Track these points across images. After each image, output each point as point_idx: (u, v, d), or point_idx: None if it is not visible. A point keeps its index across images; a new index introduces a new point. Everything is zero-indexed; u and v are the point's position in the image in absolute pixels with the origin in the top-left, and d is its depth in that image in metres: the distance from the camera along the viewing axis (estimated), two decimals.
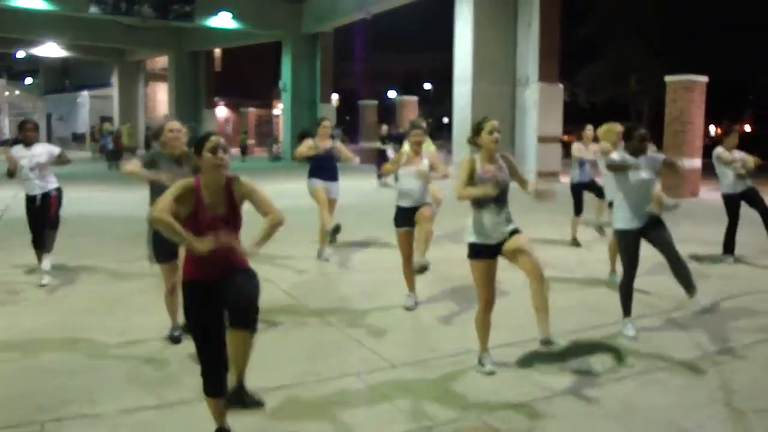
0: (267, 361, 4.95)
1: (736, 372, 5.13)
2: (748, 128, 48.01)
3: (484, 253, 4.92)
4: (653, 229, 5.89)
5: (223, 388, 3.72)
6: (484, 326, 5.08)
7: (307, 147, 8.71)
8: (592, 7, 37.11)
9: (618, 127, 8.07)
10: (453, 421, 4.25)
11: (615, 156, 5.96)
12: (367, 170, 25.29)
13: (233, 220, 3.74)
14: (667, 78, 18.53)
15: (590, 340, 5.79)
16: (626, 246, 5.91)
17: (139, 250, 9.42)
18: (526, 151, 21.89)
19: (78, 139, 46.83)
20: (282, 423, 4.07)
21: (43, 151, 7.46)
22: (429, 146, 9.90)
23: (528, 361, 5.27)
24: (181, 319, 5.15)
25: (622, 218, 5.91)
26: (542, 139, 21.18)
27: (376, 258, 9.26)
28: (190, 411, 4.32)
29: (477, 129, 5.04)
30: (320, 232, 8.71)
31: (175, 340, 5.61)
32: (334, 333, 6.00)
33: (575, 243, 10.14)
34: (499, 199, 4.92)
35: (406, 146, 6.87)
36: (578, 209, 10.13)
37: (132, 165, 5.70)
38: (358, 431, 4.09)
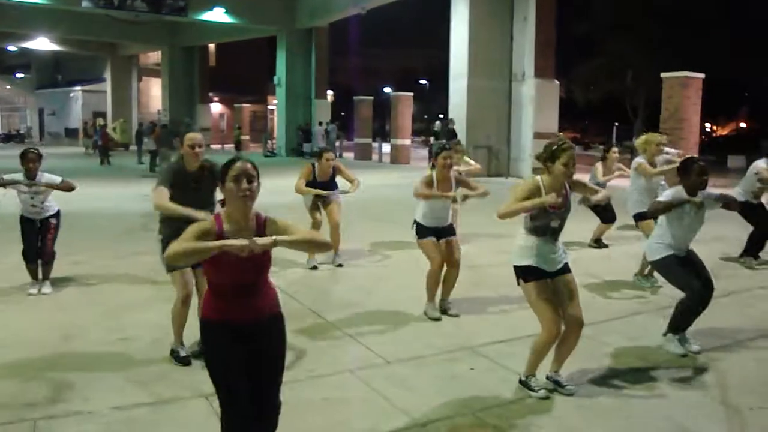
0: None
1: (731, 368, 5.13)
2: (743, 125, 48.19)
3: (535, 274, 4.53)
4: (690, 259, 5.50)
5: None
6: (544, 354, 4.63)
7: (306, 176, 8.23)
8: (589, 2, 37.10)
9: (658, 138, 7.85)
10: (448, 417, 4.22)
11: (668, 195, 5.44)
12: (361, 167, 25.25)
13: (261, 260, 3.23)
14: (663, 74, 18.55)
15: (588, 338, 5.77)
16: (671, 271, 5.51)
17: (133, 246, 9.46)
18: (522, 147, 21.89)
19: (71, 134, 46.61)
20: (280, 421, 4.03)
21: (44, 183, 6.87)
22: (467, 161, 9.68)
23: (522, 357, 5.23)
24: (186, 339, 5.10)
25: (661, 249, 5.48)
26: (538, 135, 21.16)
27: (372, 254, 9.24)
28: (183, 408, 4.30)
29: (552, 155, 4.50)
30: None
31: (181, 361, 5.05)
32: (328, 329, 5.97)
33: (597, 244, 9.82)
34: (557, 232, 4.58)
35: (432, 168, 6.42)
36: (610, 216, 9.73)
37: (160, 196, 4.92)
38: (353, 428, 4.07)
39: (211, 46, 46.79)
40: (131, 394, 4.50)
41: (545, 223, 4.52)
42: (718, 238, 9.35)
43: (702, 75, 18.37)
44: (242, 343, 3.21)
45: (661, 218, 5.51)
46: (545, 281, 4.53)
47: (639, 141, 7.95)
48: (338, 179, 8.40)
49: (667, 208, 5.33)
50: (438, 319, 6.22)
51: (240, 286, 3.21)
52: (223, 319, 3.21)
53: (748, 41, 34.32)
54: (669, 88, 18.30)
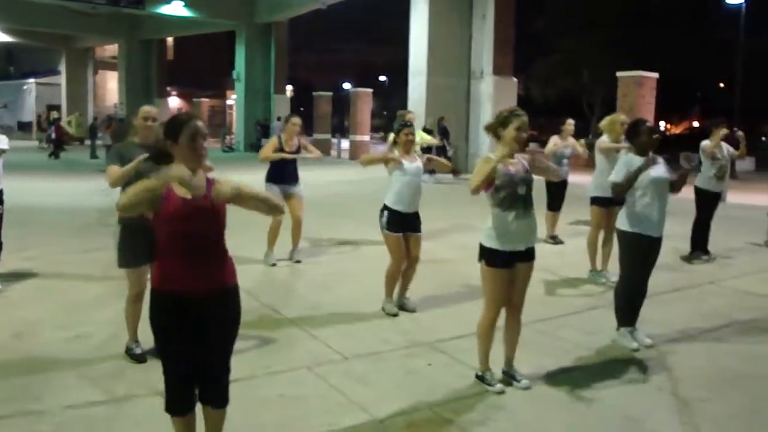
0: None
1: (683, 362, 5.25)
2: (696, 124, 49.19)
3: (502, 260, 4.47)
4: (655, 249, 5.47)
5: (191, 405, 3.35)
6: (490, 338, 4.65)
7: (272, 147, 8.14)
8: (546, 0, 37.53)
9: (622, 118, 7.99)
10: (405, 413, 4.25)
11: (614, 177, 5.42)
12: (320, 163, 25.13)
13: (214, 210, 3.20)
14: (619, 73, 18.86)
15: (543, 333, 5.86)
16: (630, 251, 5.44)
17: (87, 242, 9.30)
18: (480, 144, 22.04)
19: (24, 128, 45.60)
20: (233, 417, 4.01)
21: None
22: (424, 137, 9.74)
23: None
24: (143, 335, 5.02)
25: (639, 220, 5.38)
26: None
27: (330, 251, 9.23)
28: (138, 406, 4.25)
29: (504, 121, 4.48)
30: (269, 234, 8.20)
31: (137, 358, 4.97)
32: (286, 326, 5.95)
33: (552, 240, 9.94)
34: (527, 200, 4.50)
35: (391, 139, 6.36)
36: (557, 205, 9.96)
37: (111, 174, 4.78)
38: (310, 424, 4.06)
39: (169, 40, 46.22)
40: (85, 393, 4.43)
41: (512, 192, 4.44)
42: (674, 235, 9.53)
43: (656, 74, 18.72)
44: (191, 312, 3.18)
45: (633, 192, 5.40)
46: (504, 271, 4.49)
47: (604, 122, 8.04)
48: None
49: (629, 182, 5.28)
50: (395, 315, 6.23)
51: (191, 244, 3.15)
52: (173, 289, 3.17)
53: (699, 42, 35.06)
54: (624, 86, 18.60)
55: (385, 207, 6.21)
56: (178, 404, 3.33)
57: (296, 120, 8.20)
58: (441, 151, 20.26)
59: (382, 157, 6.32)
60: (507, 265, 4.49)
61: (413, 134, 6.37)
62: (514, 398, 4.52)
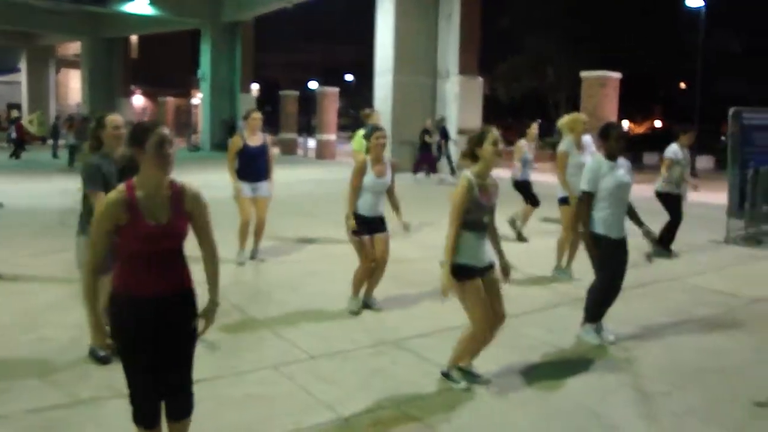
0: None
1: (645, 357, 5.36)
2: (658, 123, 49.94)
3: (475, 272, 4.54)
4: (621, 249, 5.62)
5: (158, 418, 3.30)
6: (470, 346, 4.66)
7: (235, 148, 8.06)
8: (511, 0, 37.82)
9: (583, 117, 8.09)
10: (371, 411, 4.27)
11: (583, 185, 5.59)
12: (286, 162, 25.13)
13: (178, 231, 3.23)
14: (583, 73, 19.09)
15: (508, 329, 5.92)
16: (598, 252, 5.55)
17: (49, 244, 9.17)
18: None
19: None
20: (199, 417, 4.00)
21: None
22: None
23: (443, 349, 5.32)
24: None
25: (604, 224, 5.50)
26: (462, 132, 21.48)
27: (297, 250, 9.21)
28: (102, 408, 4.21)
29: (479, 139, 4.57)
30: (239, 233, 8.21)
31: (101, 360, 4.90)
32: (253, 325, 5.95)
33: (521, 237, 10.05)
34: (489, 225, 4.63)
35: (359, 143, 6.40)
36: (534, 201, 10.18)
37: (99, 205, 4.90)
38: (276, 423, 4.07)
39: (133, 38, 45.69)
40: (48, 396, 4.38)
41: (479, 218, 4.53)
42: (637, 233, 9.67)
43: (619, 75, 18.98)
44: (153, 317, 3.18)
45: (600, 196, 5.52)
46: (478, 280, 4.54)
47: (564, 121, 8.04)
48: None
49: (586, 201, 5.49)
50: (357, 313, 6.25)
51: (155, 255, 3.16)
52: (134, 294, 3.16)
53: (663, 43, 35.63)
54: (588, 86, 18.84)
55: (354, 213, 6.24)
56: (147, 414, 3.28)
57: (257, 114, 8.20)
58: (439, 151, 20.40)
59: (356, 178, 6.21)
60: (477, 275, 4.54)
61: (384, 137, 6.35)
62: (479, 396, 4.57)
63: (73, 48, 46.76)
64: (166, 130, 3.20)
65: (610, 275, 5.57)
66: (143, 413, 3.27)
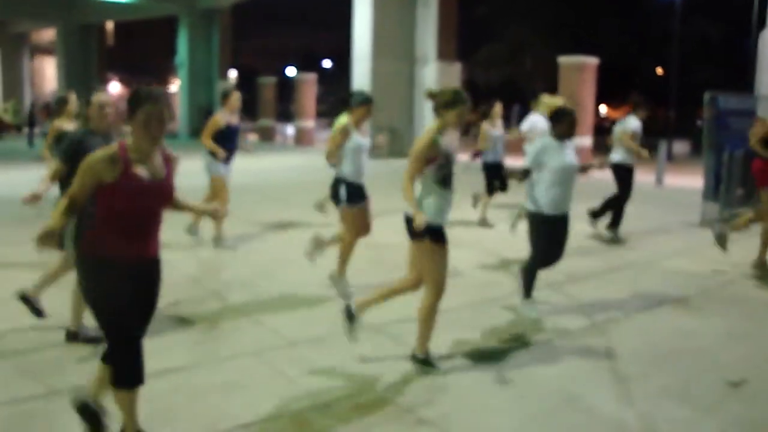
0: (164, 343, 4.86)
1: (619, 339, 5.43)
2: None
3: (441, 235, 4.57)
4: (561, 226, 5.80)
5: (141, 377, 3.36)
6: (434, 318, 4.68)
7: (214, 127, 8.02)
8: None
9: (560, 101, 8.11)
10: (351, 396, 4.29)
11: (527, 161, 5.77)
12: (265, 149, 25.02)
13: (169, 190, 3.38)
14: (560, 58, 19.16)
15: (485, 314, 5.97)
16: (540, 230, 5.75)
17: (25, 233, 9.01)
18: (424, 129, 22.15)
19: None
20: (179, 404, 4.01)
21: None
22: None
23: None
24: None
25: (542, 201, 5.69)
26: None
27: (275, 236, 9.20)
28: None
29: (449, 104, 4.56)
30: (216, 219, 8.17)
31: (92, 341, 4.86)
32: (231, 313, 5.93)
33: (484, 223, 10.10)
34: (453, 177, 4.67)
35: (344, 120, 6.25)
36: (490, 189, 10.15)
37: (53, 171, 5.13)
38: (256, 410, 4.07)
39: (109, 25, 45.07)
40: (24, 387, 4.35)
41: (449, 171, 4.59)
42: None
43: (596, 60, 19.07)
44: (132, 280, 3.29)
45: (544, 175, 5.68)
46: (445, 246, 4.61)
47: (542, 105, 8.11)
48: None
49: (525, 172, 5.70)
50: (351, 296, 6.24)
51: (138, 219, 3.24)
52: (118, 256, 3.24)
53: (640, 29, 35.81)
54: (565, 71, 18.92)
55: (342, 181, 6.21)
56: (132, 371, 3.32)
57: (237, 94, 8.20)
58: None
59: (336, 140, 6.16)
60: (444, 239, 4.62)
61: (371, 111, 6.29)
62: (458, 379, 4.61)
63: (48, 35, 46.09)
64: (162, 108, 3.22)
65: (545, 251, 5.80)
66: (126, 373, 3.32)
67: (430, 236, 4.53)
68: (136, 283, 3.32)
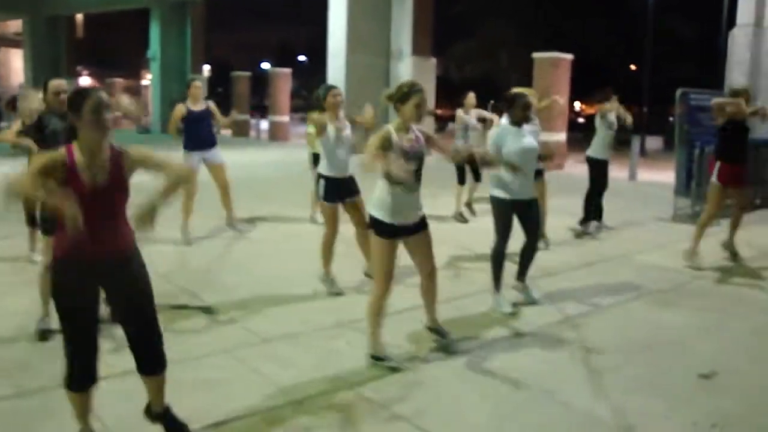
0: None
1: (593, 333, 5.46)
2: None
3: (389, 231, 4.57)
4: (529, 209, 5.90)
5: (92, 380, 3.38)
6: (381, 314, 4.68)
7: (179, 115, 8.26)
8: None
9: (532, 93, 8.13)
10: (325, 393, 4.27)
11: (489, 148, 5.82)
12: (239, 143, 24.87)
13: (119, 193, 3.27)
14: (535, 54, 19.21)
15: (459, 309, 5.97)
16: (501, 214, 5.87)
17: None
18: None
19: None
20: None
21: None
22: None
23: (395, 331, 5.35)
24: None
25: (503, 186, 5.78)
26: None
27: (250, 232, 9.12)
28: (50, 398, 4.11)
29: (405, 95, 4.56)
30: (183, 208, 8.20)
31: (45, 335, 4.94)
32: (205, 309, 5.87)
33: (461, 218, 10.12)
34: (416, 175, 4.58)
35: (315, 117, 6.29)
36: (462, 179, 10.16)
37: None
38: (230, 408, 4.03)
39: (79, 17, 44.39)
40: None
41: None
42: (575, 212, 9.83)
43: (571, 56, 19.17)
44: (97, 279, 3.27)
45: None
46: (390, 241, 4.57)
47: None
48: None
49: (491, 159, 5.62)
50: (341, 294, 6.24)
51: (95, 219, 3.14)
52: (76, 256, 3.19)
53: (616, 27, 36.08)
54: (540, 67, 18.97)
55: (320, 175, 6.20)
56: (83, 375, 3.34)
57: (198, 83, 8.45)
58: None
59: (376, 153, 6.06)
60: (394, 236, 4.60)
61: (340, 95, 6.29)
62: (432, 375, 4.60)
63: (14, 26, 45.28)
64: (103, 95, 3.21)
65: (506, 237, 5.87)
66: (78, 376, 3.34)
67: (376, 229, 4.58)
68: (99, 282, 3.31)
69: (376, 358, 4.68)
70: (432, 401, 4.21)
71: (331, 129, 6.12)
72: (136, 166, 3.31)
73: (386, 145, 4.49)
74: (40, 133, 5.18)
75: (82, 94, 3.23)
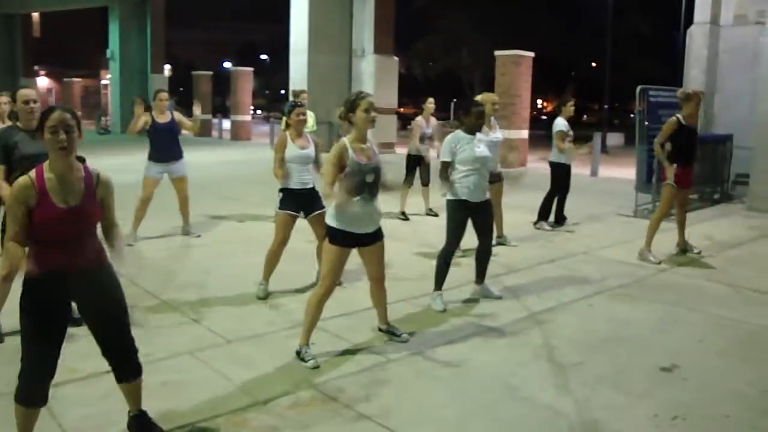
0: (96, 345, 4.70)
1: (556, 328, 5.51)
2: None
3: (344, 240, 4.67)
4: (482, 212, 6.00)
5: (43, 397, 3.30)
6: (318, 312, 4.79)
7: (142, 121, 8.18)
8: None
9: (494, 98, 8.18)
10: (289, 393, 4.24)
11: (443, 156, 5.99)
12: (201, 143, 24.64)
13: (89, 215, 3.24)
14: (497, 52, 19.34)
15: (423, 306, 5.97)
16: (455, 217, 5.97)
17: None
18: None
19: None
20: (114, 408, 3.88)
21: None
22: (312, 125, 9.84)
23: (360, 330, 5.34)
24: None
25: (459, 190, 5.89)
26: (378, 111, 21.47)
27: (212, 233, 9.04)
28: (7, 404, 4.02)
29: (352, 105, 4.71)
30: (136, 210, 8.19)
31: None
32: (166, 311, 5.80)
33: (404, 216, 10.19)
34: (373, 187, 4.69)
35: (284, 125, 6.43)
36: (410, 181, 10.30)
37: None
38: (193, 410, 3.98)
39: (35, 15, 43.55)
40: None
41: (360, 180, 4.62)
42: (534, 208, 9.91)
43: (532, 54, 19.33)
44: (69, 292, 3.25)
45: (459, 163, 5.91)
46: (343, 250, 4.69)
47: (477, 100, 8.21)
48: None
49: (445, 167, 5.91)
50: (264, 298, 6.17)
51: (66, 239, 3.15)
52: (49, 270, 3.15)
53: (576, 24, 36.49)
54: (502, 65, 19.10)
55: (281, 189, 6.25)
56: (34, 396, 3.28)
57: (164, 95, 8.39)
58: None
59: (278, 151, 6.22)
60: (346, 245, 4.71)
61: (304, 114, 6.31)
62: (396, 373, 4.59)
63: None
64: (64, 115, 3.12)
65: (457, 239, 6.02)
66: (30, 390, 3.26)
67: (331, 237, 4.69)
68: (71, 296, 3.31)
69: (299, 355, 4.71)
70: (398, 400, 4.20)
71: (292, 147, 6.15)
72: (101, 198, 3.31)
73: (343, 158, 4.61)
74: (7, 158, 4.92)
75: (45, 112, 3.17)
